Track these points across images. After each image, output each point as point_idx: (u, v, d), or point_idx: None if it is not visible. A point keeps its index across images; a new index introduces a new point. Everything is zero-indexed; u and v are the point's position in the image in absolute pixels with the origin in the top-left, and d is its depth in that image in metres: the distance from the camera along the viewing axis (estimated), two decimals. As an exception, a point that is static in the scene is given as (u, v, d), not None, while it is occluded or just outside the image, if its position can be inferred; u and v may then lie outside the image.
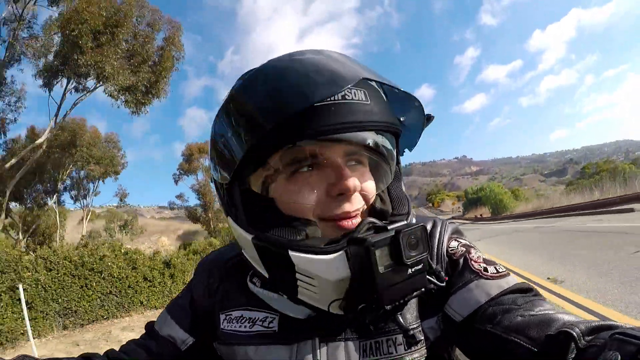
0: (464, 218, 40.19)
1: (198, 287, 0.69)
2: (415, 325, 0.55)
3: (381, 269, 0.44)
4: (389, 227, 0.47)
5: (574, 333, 0.40)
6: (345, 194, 0.51)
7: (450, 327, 0.55)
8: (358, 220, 0.52)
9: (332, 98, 0.48)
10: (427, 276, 0.49)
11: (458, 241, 0.62)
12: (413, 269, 0.46)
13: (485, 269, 0.56)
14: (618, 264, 4.81)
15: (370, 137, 0.52)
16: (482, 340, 0.50)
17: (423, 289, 0.48)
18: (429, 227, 0.63)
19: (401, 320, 0.53)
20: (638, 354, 0.33)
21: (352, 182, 0.50)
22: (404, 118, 0.57)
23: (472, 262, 0.57)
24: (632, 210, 12.33)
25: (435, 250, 0.60)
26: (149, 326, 0.72)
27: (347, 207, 0.51)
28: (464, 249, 0.60)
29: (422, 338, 0.55)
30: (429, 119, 0.56)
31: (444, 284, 0.52)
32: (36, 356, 0.58)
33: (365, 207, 0.54)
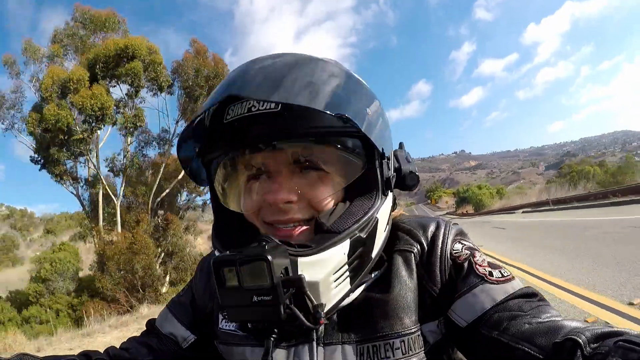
0: (455, 214, 43.42)
1: (199, 286, 0.70)
2: (413, 330, 0.54)
3: (227, 287, 0.46)
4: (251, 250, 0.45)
5: (580, 340, 0.40)
6: (276, 207, 0.52)
7: (454, 333, 0.55)
8: (302, 227, 0.54)
9: (237, 112, 0.51)
10: (287, 310, 0.45)
11: (462, 243, 0.60)
12: (259, 298, 0.44)
13: (491, 273, 0.55)
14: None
15: (287, 146, 0.53)
16: (488, 346, 0.50)
17: (278, 322, 0.47)
18: (432, 228, 0.61)
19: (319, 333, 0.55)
20: None
21: (273, 196, 0.51)
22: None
23: (477, 265, 0.56)
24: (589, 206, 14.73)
25: (439, 251, 0.59)
26: (150, 324, 0.72)
27: (280, 215, 0.53)
28: (469, 252, 0.58)
29: (421, 342, 0.54)
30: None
31: (313, 326, 0.48)
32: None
33: (316, 214, 0.54)
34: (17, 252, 38.37)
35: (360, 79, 0.58)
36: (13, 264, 34.96)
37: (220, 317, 0.64)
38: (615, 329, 0.41)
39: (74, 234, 23.68)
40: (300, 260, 0.48)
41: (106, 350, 0.65)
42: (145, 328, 0.73)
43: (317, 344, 0.55)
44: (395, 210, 0.67)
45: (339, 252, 0.51)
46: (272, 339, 0.49)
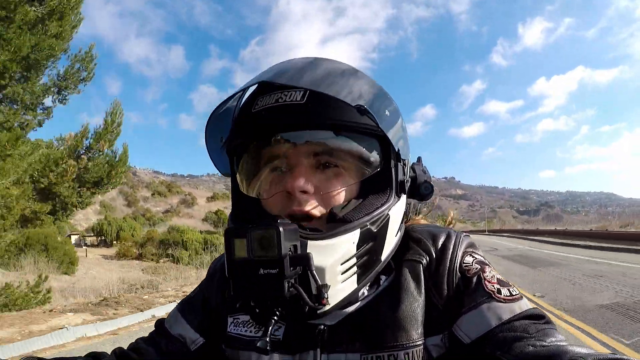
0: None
1: (210, 287, 0.70)
2: (419, 343, 0.54)
3: (236, 258, 0.46)
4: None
5: None
6: (293, 194, 0.53)
7: (457, 348, 0.54)
8: (318, 222, 0.54)
9: (265, 102, 0.54)
10: (291, 287, 0.45)
11: (473, 257, 0.60)
12: (265, 271, 0.45)
13: (499, 291, 0.55)
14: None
15: (309, 136, 0.54)
16: None
17: (281, 299, 0.45)
18: (442, 238, 0.61)
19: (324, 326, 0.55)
20: None
21: (293, 183, 0.53)
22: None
23: (486, 281, 0.56)
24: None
25: (449, 263, 0.58)
26: (159, 324, 0.71)
27: (295, 205, 0.53)
28: (479, 267, 0.58)
29: (425, 356, 0.54)
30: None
31: (317, 305, 0.48)
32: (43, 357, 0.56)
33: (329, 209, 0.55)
34: None
35: (380, 85, 0.60)
36: None
37: (229, 320, 0.64)
38: (620, 357, 0.39)
39: None
40: (310, 243, 0.49)
41: (113, 351, 0.65)
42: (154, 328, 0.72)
43: (322, 352, 0.54)
44: (416, 218, 0.72)
45: (349, 241, 0.51)
46: (273, 320, 0.48)
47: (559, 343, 0.47)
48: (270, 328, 0.48)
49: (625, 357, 0.39)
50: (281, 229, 0.44)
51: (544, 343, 0.47)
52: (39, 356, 0.55)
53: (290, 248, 0.46)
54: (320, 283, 0.48)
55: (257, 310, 0.50)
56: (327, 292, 0.49)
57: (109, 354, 0.64)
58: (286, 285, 0.45)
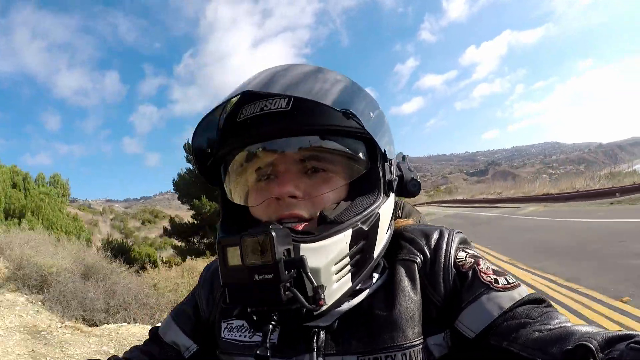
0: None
1: (202, 294, 0.69)
2: (416, 342, 0.53)
3: (230, 266, 0.46)
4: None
5: (592, 346, 0.38)
6: (281, 199, 0.54)
7: (462, 344, 0.53)
8: (308, 225, 0.54)
9: (250, 111, 0.54)
10: (287, 291, 0.45)
11: (466, 252, 0.60)
12: (261, 277, 0.44)
13: (496, 281, 0.54)
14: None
15: (296, 143, 0.55)
16: (498, 358, 0.49)
17: (278, 303, 0.45)
18: (435, 236, 0.61)
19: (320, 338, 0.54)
20: None
21: (281, 188, 0.53)
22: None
23: (482, 273, 0.56)
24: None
25: (443, 260, 0.58)
26: (153, 332, 0.71)
27: (284, 209, 0.54)
28: (472, 260, 0.58)
29: (424, 356, 0.53)
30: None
31: (314, 307, 0.47)
32: None
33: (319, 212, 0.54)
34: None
35: (364, 88, 0.60)
36: None
37: (223, 326, 0.63)
38: (628, 332, 0.39)
39: None
40: (303, 246, 0.48)
41: (109, 359, 0.62)
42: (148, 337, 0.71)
43: (318, 355, 0.54)
44: (405, 219, 0.71)
45: (341, 241, 0.51)
46: (270, 325, 0.47)
47: (564, 324, 0.47)
48: (269, 334, 0.47)
49: (634, 332, 0.39)
50: (274, 233, 0.44)
51: (549, 326, 0.47)
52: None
53: (283, 252, 0.45)
54: (316, 284, 0.48)
55: (255, 317, 0.49)
56: (323, 293, 0.49)
57: None
58: (282, 289, 0.44)
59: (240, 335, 0.60)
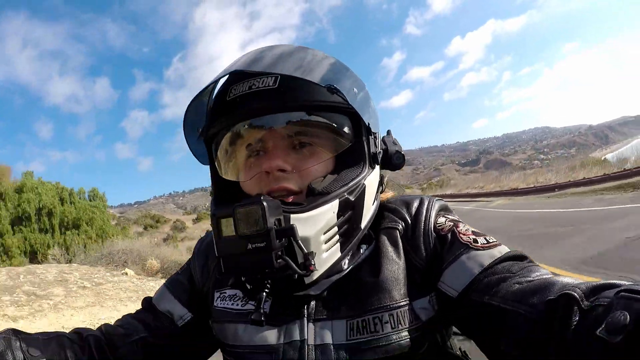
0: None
1: (196, 264, 0.71)
2: (402, 303, 0.55)
3: (224, 237, 0.48)
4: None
5: (576, 294, 0.38)
6: (270, 173, 0.55)
7: (446, 305, 0.54)
8: (297, 197, 0.56)
9: (239, 90, 0.55)
10: (279, 259, 0.47)
11: (445, 217, 0.61)
12: (253, 246, 0.46)
13: (475, 240, 0.55)
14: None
15: (283, 118, 0.56)
16: (480, 313, 0.49)
17: (271, 271, 0.47)
18: (415, 204, 0.63)
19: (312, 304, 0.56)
20: None
21: (270, 162, 0.55)
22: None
23: (461, 235, 0.57)
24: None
25: (423, 225, 0.60)
26: (146, 301, 0.72)
27: (274, 183, 0.55)
28: (452, 224, 0.59)
29: (411, 317, 0.54)
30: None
31: (304, 272, 0.50)
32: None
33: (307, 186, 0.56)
34: None
35: (349, 68, 0.62)
36: None
37: (216, 295, 0.64)
38: (611, 282, 0.38)
39: None
40: (293, 216, 0.50)
41: (99, 328, 0.64)
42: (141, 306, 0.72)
43: (308, 321, 0.55)
44: (386, 192, 0.71)
45: (329, 211, 0.53)
46: (264, 293, 0.49)
47: (545, 276, 0.47)
48: (262, 301, 0.49)
49: (615, 281, 0.38)
50: (265, 203, 0.46)
51: (529, 278, 0.47)
52: (23, 331, 0.56)
53: (274, 222, 0.47)
54: (306, 251, 0.50)
55: (248, 286, 0.52)
56: (313, 260, 0.50)
57: (95, 329, 0.64)
58: (274, 256, 0.46)
59: (232, 304, 0.61)
